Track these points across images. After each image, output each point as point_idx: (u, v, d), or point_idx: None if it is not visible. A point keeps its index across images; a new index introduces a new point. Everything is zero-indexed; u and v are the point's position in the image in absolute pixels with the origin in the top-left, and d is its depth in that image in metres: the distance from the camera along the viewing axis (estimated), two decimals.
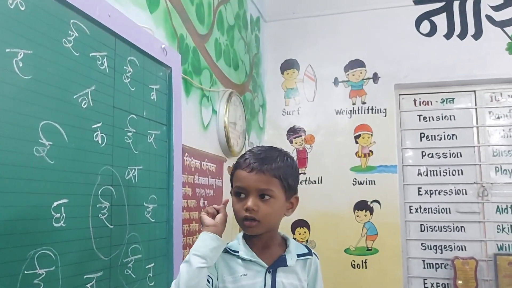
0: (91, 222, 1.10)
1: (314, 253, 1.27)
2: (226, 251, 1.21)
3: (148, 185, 1.39)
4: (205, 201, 1.92)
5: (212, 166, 2.03)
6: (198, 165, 1.88)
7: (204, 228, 1.16)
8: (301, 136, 2.89)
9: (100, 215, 1.14)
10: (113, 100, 1.23)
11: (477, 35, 2.66)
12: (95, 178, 1.13)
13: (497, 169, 2.66)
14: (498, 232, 2.61)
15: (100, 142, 1.16)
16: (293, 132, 2.91)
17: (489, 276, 2.56)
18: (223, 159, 2.17)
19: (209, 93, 2.03)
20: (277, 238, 1.26)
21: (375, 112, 2.79)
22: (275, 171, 1.17)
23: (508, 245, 2.58)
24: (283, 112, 2.93)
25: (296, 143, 2.89)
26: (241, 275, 1.18)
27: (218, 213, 1.19)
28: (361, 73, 2.83)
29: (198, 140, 1.90)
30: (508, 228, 2.60)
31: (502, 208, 2.63)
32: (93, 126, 1.14)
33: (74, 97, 1.08)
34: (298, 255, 1.24)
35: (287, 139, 2.90)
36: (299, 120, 2.90)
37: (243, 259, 1.20)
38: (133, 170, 1.30)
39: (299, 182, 1.30)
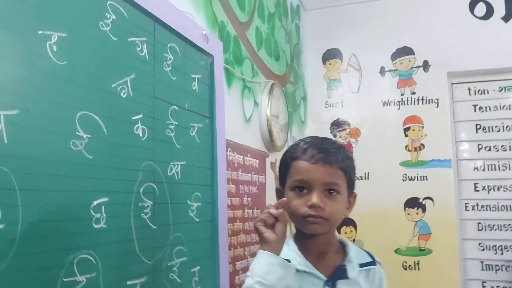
0: (133, 222, 1.01)
1: (378, 262, 1.12)
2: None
3: (192, 182, 1.29)
4: (249, 199, 1.81)
5: (255, 162, 1.92)
6: (241, 161, 1.77)
7: (264, 246, 0.98)
8: (345, 129, 2.74)
9: (142, 214, 1.04)
10: (153, 90, 1.13)
11: None
12: (137, 174, 1.04)
13: None
14: None
15: (141, 135, 1.06)
16: (337, 125, 2.76)
17: None
18: (266, 154, 2.05)
19: (251, 84, 1.92)
20: (335, 243, 1.11)
21: (426, 103, 2.61)
22: (341, 164, 1.03)
23: None
24: (326, 104, 2.79)
25: (340, 137, 2.74)
26: None
27: (276, 220, 1.00)
28: (409, 61, 2.65)
29: (240, 134, 1.79)
30: None
31: None
32: (133, 118, 1.04)
33: (113, 85, 0.98)
34: (361, 265, 1.09)
35: (331, 132, 2.75)
36: (343, 113, 2.75)
37: (296, 270, 1.04)
38: (176, 166, 1.21)
39: None
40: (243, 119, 1.85)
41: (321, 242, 1.07)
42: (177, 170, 1.21)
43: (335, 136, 2.74)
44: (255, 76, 1.98)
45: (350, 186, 1.07)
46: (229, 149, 1.65)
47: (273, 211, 0.99)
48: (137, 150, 1.05)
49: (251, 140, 1.90)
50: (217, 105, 1.45)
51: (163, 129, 1.16)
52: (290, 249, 1.07)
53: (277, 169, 1.14)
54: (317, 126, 2.78)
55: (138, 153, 1.05)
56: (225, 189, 1.50)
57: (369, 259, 1.11)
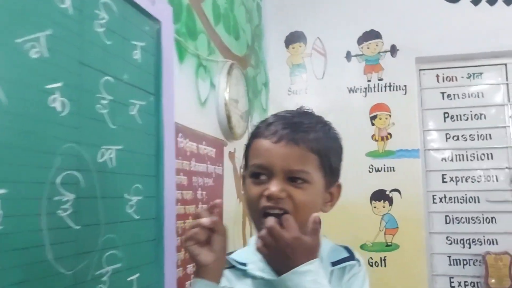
0: (46, 222, 0.77)
1: (357, 259, 0.90)
2: (230, 265, 0.86)
3: (131, 171, 1.06)
4: (204, 192, 1.59)
5: (211, 151, 1.70)
6: (194, 149, 1.55)
7: (200, 272, 0.76)
8: None
9: (59, 211, 0.81)
10: (79, 53, 0.89)
11: (509, 0, 2.34)
12: (52, 159, 0.80)
13: None
14: None
15: (59, 109, 0.82)
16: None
17: None
18: (224, 142, 1.84)
19: (207, 63, 1.70)
20: None
21: (393, 90, 2.47)
22: (313, 144, 0.81)
23: None
24: (289, 91, 2.60)
25: None
26: None
27: (212, 231, 0.77)
28: (377, 45, 2.50)
29: (194, 118, 1.57)
30: None
31: None
32: (48, 86, 0.80)
33: (18, 41, 0.74)
34: (333, 263, 0.87)
35: None
36: (307, 100, 2.55)
37: (253, 277, 0.84)
38: (110, 151, 0.97)
39: None
40: (198, 101, 1.62)
41: None
42: (110, 156, 0.97)
43: None
44: (212, 54, 1.75)
45: (330, 174, 0.85)
46: (180, 134, 1.42)
47: (204, 221, 0.75)
48: (54, 127, 0.81)
49: (206, 126, 1.68)
50: (165, 81, 1.22)
51: (92, 104, 0.92)
52: (250, 250, 0.86)
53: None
54: None
55: (55, 131, 0.81)
56: (174, 181, 1.28)
57: (345, 254, 0.90)
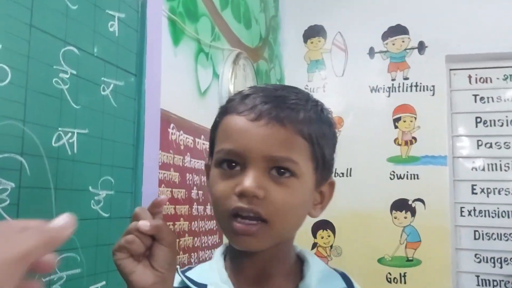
0: None
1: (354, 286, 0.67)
2: (183, 286, 0.64)
3: (99, 161, 0.90)
4: (200, 192, 1.43)
5: None
6: (190, 143, 1.39)
7: None
8: None
9: None
10: (30, 14, 0.74)
11: None
12: None
13: None
14: None
15: None
16: None
17: None
18: None
19: (210, 50, 1.54)
20: (288, 259, 0.67)
21: (420, 90, 2.26)
22: (303, 126, 0.60)
23: None
24: (306, 88, 2.41)
25: None
26: None
27: (154, 239, 0.54)
28: (403, 41, 2.30)
29: (191, 109, 1.41)
30: None
31: None
32: None
33: None
34: None
35: None
36: (325, 99, 2.31)
37: None
38: (69, 134, 0.82)
39: None
40: (197, 90, 1.46)
41: (264, 258, 0.63)
42: (70, 141, 0.82)
43: None
44: (217, 41, 1.60)
45: (322, 167, 0.64)
46: (172, 125, 1.27)
47: (142, 225, 0.53)
48: None
49: (206, 119, 1.51)
50: (150, 61, 1.07)
51: (47, 77, 0.78)
52: (213, 267, 0.65)
53: None
54: None
55: None
56: (157, 176, 1.12)
57: (341, 284, 0.66)
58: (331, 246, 2.24)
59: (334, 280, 0.66)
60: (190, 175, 1.38)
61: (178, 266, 0.64)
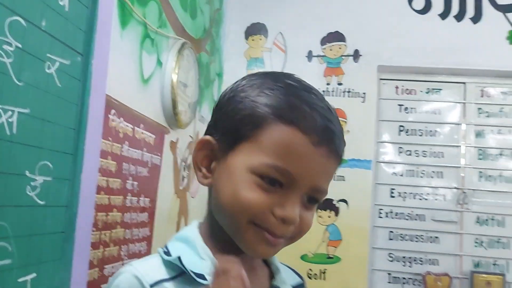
0: None
1: (304, 282, 0.76)
2: (181, 272, 0.59)
3: (39, 144, 0.84)
4: (135, 183, 1.38)
5: (150, 137, 1.49)
6: (130, 131, 1.34)
7: None
8: None
9: None
10: None
11: (476, 18, 2.31)
12: None
13: (481, 174, 2.33)
14: (476, 246, 2.28)
15: None
16: None
17: None
18: (166, 130, 1.63)
19: (155, 36, 1.49)
20: None
21: (352, 96, 2.37)
22: (343, 153, 0.63)
23: (486, 262, 2.26)
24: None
25: None
26: None
27: None
28: (340, 48, 2.39)
29: (133, 96, 1.36)
30: (487, 242, 2.28)
31: (482, 219, 2.30)
32: None
33: None
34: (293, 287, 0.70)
35: None
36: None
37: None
38: (9, 113, 0.75)
39: None
40: (139, 77, 1.41)
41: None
42: (10, 120, 0.75)
43: None
44: (163, 27, 1.55)
45: None
46: (113, 111, 1.21)
47: None
48: None
49: (147, 108, 1.47)
50: (99, 42, 1.01)
51: None
52: (204, 256, 0.61)
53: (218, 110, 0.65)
54: None
55: None
56: (97, 163, 1.06)
57: (298, 279, 0.74)
58: None
59: (289, 271, 0.72)
60: (127, 164, 1.33)
61: (161, 250, 0.61)
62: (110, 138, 1.20)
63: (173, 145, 1.72)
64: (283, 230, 0.58)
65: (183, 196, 1.86)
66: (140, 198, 1.43)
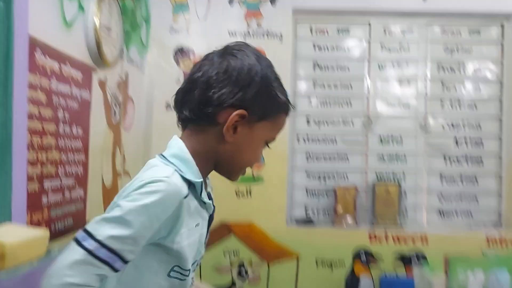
0: None
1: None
2: (188, 186, 0.91)
3: None
4: (67, 114, 1.61)
5: (77, 74, 1.71)
6: (56, 68, 1.55)
7: None
8: (190, 58, 2.65)
9: None
10: None
11: None
12: None
13: (383, 101, 2.71)
14: (379, 162, 2.69)
15: None
16: (181, 53, 2.65)
17: (367, 203, 2.64)
18: (92, 68, 1.85)
19: None
20: None
21: (270, 37, 2.63)
22: None
23: (387, 174, 2.68)
24: (171, 29, 2.64)
25: (184, 65, 2.64)
26: (195, 225, 0.94)
27: None
28: None
29: (56, 38, 1.55)
30: (387, 158, 2.69)
31: (384, 139, 2.70)
32: None
33: None
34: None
35: (174, 60, 2.64)
36: (188, 40, 2.64)
37: (201, 202, 0.95)
38: None
39: None
40: (62, 21, 1.61)
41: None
42: None
43: (178, 63, 2.63)
44: None
45: None
46: (38, 49, 1.42)
47: None
48: None
49: (72, 49, 1.68)
50: None
51: None
52: (197, 176, 0.93)
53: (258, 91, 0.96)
54: (160, 52, 2.62)
55: None
56: (26, 92, 1.30)
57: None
58: None
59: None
60: (57, 97, 1.54)
61: (172, 167, 0.92)
62: (37, 73, 1.42)
63: (101, 83, 1.94)
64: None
65: (116, 129, 2.12)
66: (72, 127, 1.67)
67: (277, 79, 0.98)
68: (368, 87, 2.72)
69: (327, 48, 2.74)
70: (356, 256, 2.49)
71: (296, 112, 2.71)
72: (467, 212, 2.67)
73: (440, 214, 2.68)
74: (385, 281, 2.41)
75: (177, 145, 0.96)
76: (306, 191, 2.70)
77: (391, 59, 2.72)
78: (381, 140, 2.70)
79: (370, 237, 2.51)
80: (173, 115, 1.05)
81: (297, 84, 2.73)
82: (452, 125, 2.70)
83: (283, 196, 2.59)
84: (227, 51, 0.98)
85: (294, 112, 2.58)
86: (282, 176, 2.59)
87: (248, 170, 2.48)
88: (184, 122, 0.99)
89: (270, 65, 0.98)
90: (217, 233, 2.47)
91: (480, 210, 2.67)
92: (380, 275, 2.46)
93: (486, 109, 2.70)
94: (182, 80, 2.47)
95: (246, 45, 1.01)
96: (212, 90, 0.92)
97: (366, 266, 2.47)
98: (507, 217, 2.62)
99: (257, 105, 0.93)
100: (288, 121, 2.54)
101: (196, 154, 0.95)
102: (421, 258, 2.45)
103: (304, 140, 2.71)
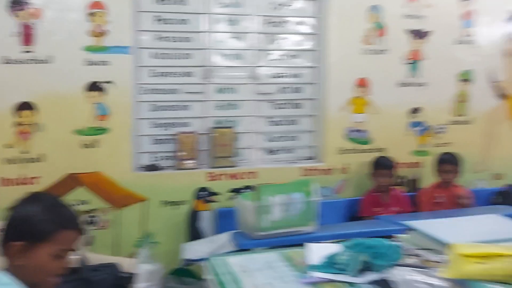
0: None
1: None
2: None
3: None
4: None
5: None
6: None
7: None
8: (25, 9, 2.58)
9: None
10: None
11: None
12: None
13: (220, 53, 3.00)
14: (216, 109, 3.03)
15: None
16: (17, 4, 2.57)
17: (206, 147, 3.00)
18: None
19: None
20: None
21: None
22: None
23: (223, 120, 3.04)
24: None
25: (20, 17, 2.58)
26: None
27: None
28: None
29: None
30: (224, 106, 3.04)
31: (221, 89, 3.03)
32: None
33: None
34: None
35: (11, 12, 2.55)
36: None
37: None
38: None
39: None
40: None
41: None
42: None
43: (16, 16, 2.56)
44: None
45: None
46: None
47: None
48: None
49: None
50: None
51: None
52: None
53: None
54: None
55: None
56: None
57: None
58: (36, 124, 2.63)
59: None
60: None
61: None
62: None
63: None
64: None
65: None
66: None
67: None
68: (206, 40, 2.96)
69: (169, 2, 2.90)
70: (197, 194, 2.88)
71: (139, 65, 2.86)
72: (289, 149, 3.20)
73: (268, 152, 3.16)
74: (220, 213, 2.85)
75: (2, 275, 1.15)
76: (152, 140, 2.94)
77: (225, 13, 2.98)
78: (218, 90, 3.02)
79: (208, 177, 2.90)
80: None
81: (139, 37, 2.86)
82: (278, 74, 3.12)
83: (128, 145, 2.81)
84: None
85: (137, 64, 2.79)
86: (127, 126, 2.79)
87: (94, 123, 2.69)
88: None
89: None
90: (65, 185, 2.62)
91: (299, 146, 3.22)
92: (217, 209, 2.88)
93: (305, 60, 3.16)
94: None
95: None
96: None
97: (205, 202, 2.88)
98: (318, 151, 3.20)
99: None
100: (131, 73, 2.72)
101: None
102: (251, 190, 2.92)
103: (148, 91, 2.90)
